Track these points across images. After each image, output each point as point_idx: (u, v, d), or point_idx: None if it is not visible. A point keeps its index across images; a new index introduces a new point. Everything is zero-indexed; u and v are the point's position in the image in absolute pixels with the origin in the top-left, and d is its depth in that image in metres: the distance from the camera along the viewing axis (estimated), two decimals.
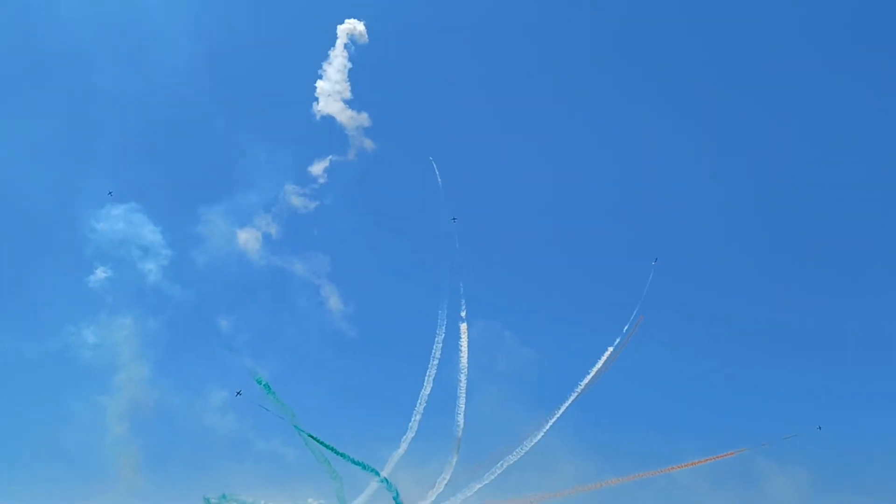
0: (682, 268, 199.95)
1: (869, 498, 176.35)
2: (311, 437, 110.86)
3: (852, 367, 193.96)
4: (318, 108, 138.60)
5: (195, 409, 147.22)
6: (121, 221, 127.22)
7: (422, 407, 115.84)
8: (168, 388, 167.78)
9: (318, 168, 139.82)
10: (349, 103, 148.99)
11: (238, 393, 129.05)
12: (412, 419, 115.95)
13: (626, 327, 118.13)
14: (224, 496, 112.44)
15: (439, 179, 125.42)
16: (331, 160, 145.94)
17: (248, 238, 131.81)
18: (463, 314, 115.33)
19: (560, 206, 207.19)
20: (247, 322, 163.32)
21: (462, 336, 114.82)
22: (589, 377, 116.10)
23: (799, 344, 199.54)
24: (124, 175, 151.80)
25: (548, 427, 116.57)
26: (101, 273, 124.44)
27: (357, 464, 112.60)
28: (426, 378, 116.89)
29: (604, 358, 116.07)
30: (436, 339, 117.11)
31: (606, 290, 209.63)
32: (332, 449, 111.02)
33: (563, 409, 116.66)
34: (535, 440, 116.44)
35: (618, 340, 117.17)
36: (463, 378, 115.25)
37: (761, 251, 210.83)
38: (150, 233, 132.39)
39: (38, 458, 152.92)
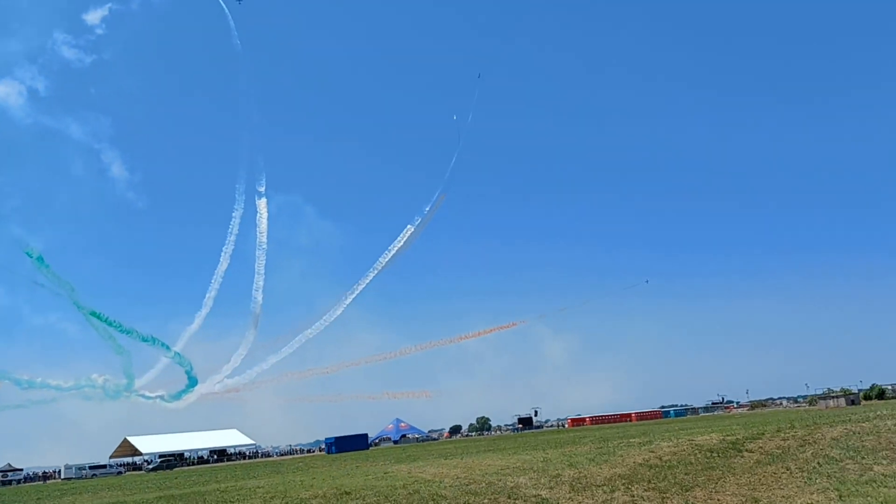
0: (484, 148, 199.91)
1: (624, 354, 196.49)
2: (94, 314, 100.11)
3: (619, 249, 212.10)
4: None
5: None
6: None
7: (217, 283, 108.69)
8: None
9: (94, 17, 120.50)
10: None
11: None
12: (207, 295, 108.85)
13: (427, 207, 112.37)
14: None
15: (238, 40, 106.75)
16: (110, 9, 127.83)
17: (8, 92, 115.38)
18: (261, 189, 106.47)
19: (366, 78, 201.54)
20: (14, 187, 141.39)
21: (260, 212, 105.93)
22: (390, 254, 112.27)
23: (572, 237, 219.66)
24: None
25: (348, 302, 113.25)
26: None
27: (145, 340, 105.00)
28: (222, 253, 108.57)
29: (404, 235, 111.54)
30: (233, 213, 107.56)
31: (410, 168, 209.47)
32: (116, 326, 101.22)
33: (363, 285, 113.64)
34: (335, 315, 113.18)
35: (418, 219, 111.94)
36: (261, 254, 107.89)
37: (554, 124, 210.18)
38: None
39: None
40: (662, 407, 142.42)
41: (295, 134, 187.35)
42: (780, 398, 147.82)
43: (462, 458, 33.59)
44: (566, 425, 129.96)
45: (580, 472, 22.58)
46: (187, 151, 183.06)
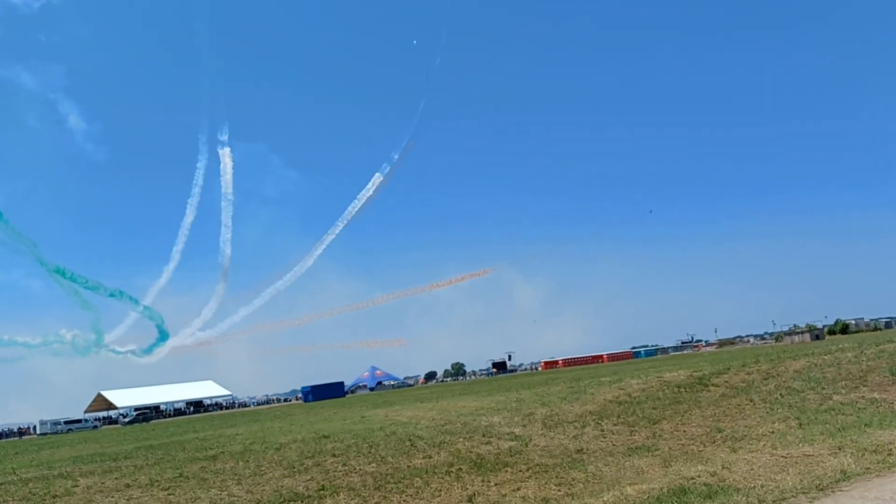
0: (454, 93, 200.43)
1: (594, 298, 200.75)
2: (57, 270, 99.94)
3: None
4: None
5: None
6: None
7: (184, 236, 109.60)
8: None
9: None
10: None
11: None
12: (174, 248, 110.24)
13: (396, 154, 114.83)
14: None
15: None
16: None
17: None
18: (224, 138, 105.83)
19: (330, 21, 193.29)
20: None
21: (224, 161, 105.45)
22: (359, 203, 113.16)
23: (542, 183, 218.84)
24: None
25: (318, 252, 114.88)
26: None
27: (112, 294, 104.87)
28: (188, 205, 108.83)
29: (373, 184, 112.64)
30: (197, 164, 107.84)
31: (377, 115, 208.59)
32: (81, 282, 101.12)
33: (332, 235, 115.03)
34: (305, 266, 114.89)
35: (387, 167, 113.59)
36: (227, 205, 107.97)
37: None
38: None
39: None
40: (633, 348, 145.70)
41: (257, 81, 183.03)
42: (747, 336, 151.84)
43: (438, 402, 34.22)
44: (539, 368, 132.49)
45: (552, 411, 23.15)
46: (147, 101, 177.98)
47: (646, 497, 11.25)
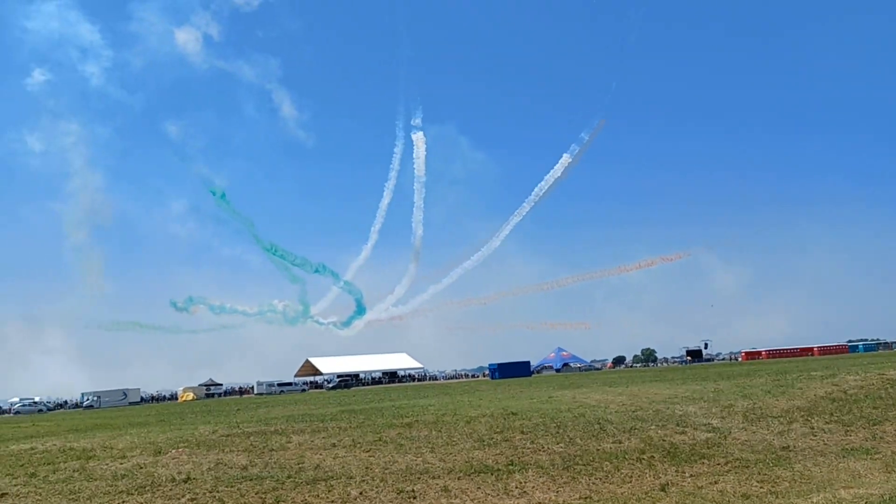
0: (648, 72, 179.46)
1: (803, 286, 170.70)
2: (269, 249, 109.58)
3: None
4: None
5: (155, 217, 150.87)
6: (55, 20, 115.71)
7: (381, 216, 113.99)
8: (125, 197, 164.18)
9: None
10: None
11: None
12: (372, 228, 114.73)
13: (586, 134, 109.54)
14: (190, 299, 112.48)
15: None
16: None
17: (187, 39, 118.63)
18: (416, 122, 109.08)
19: (520, 2, 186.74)
20: (197, 129, 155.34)
21: (417, 145, 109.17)
22: (546, 184, 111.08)
23: (743, 164, 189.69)
24: None
25: (505, 233, 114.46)
26: (38, 76, 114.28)
27: (316, 270, 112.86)
28: (385, 188, 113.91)
29: (561, 165, 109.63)
30: (394, 150, 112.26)
31: (567, 93, 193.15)
32: (290, 258, 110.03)
33: (519, 217, 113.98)
34: (492, 247, 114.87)
35: (576, 148, 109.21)
36: (419, 187, 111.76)
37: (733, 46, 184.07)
38: (88, 32, 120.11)
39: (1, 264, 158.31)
40: (850, 341, 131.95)
41: (448, 64, 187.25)
42: None
43: (627, 387, 33.35)
44: (739, 359, 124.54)
45: (754, 404, 21.69)
46: (349, 89, 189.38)
47: (863, 502, 10.21)
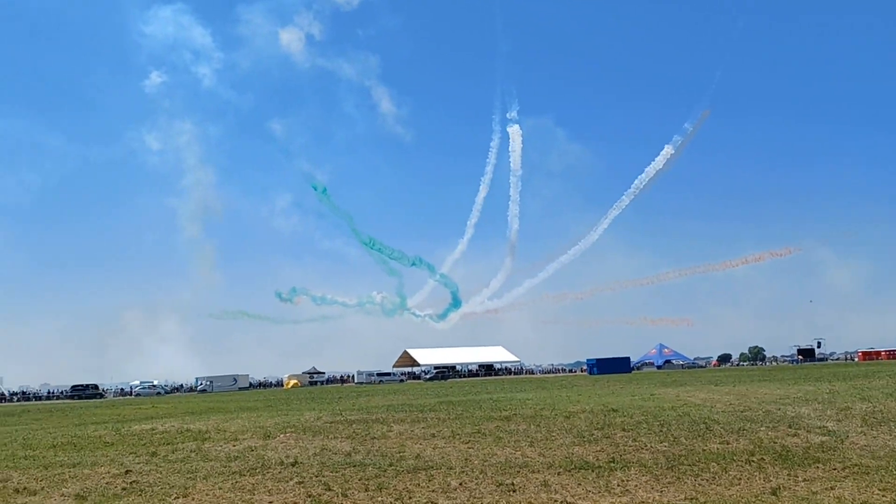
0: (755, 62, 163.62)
1: None
2: (367, 243, 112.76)
3: None
4: None
5: (261, 212, 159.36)
6: (170, 24, 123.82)
7: (477, 211, 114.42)
8: (234, 192, 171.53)
9: None
10: None
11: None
12: (468, 222, 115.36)
13: (689, 124, 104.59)
14: (294, 290, 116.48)
15: None
16: None
17: (291, 39, 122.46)
18: (511, 115, 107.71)
19: None
20: (300, 126, 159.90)
21: (513, 139, 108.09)
22: (646, 177, 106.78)
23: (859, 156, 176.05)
24: None
25: (604, 226, 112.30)
26: (155, 78, 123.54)
27: (413, 263, 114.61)
28: (481, 182, 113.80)
29: (662, 157, 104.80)
30: (490, 143, 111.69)
31: (667, 83, 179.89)
32: (387, 252, 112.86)
33: (618, 210, 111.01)
34: (590, 241, 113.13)
35: (679, 139, 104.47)
36: (515, 181, 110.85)
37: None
38: (200, 35, 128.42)
39: (117, 256, 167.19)
40: None
41: (544, 54, 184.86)
42: None
43: (734, 386, 32.14)
44: (856, 359, 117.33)
45: (874, 407, 20.42)
46: (446, 84, 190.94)
47: None
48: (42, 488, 13.49)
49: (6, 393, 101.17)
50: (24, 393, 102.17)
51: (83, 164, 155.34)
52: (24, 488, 13.55)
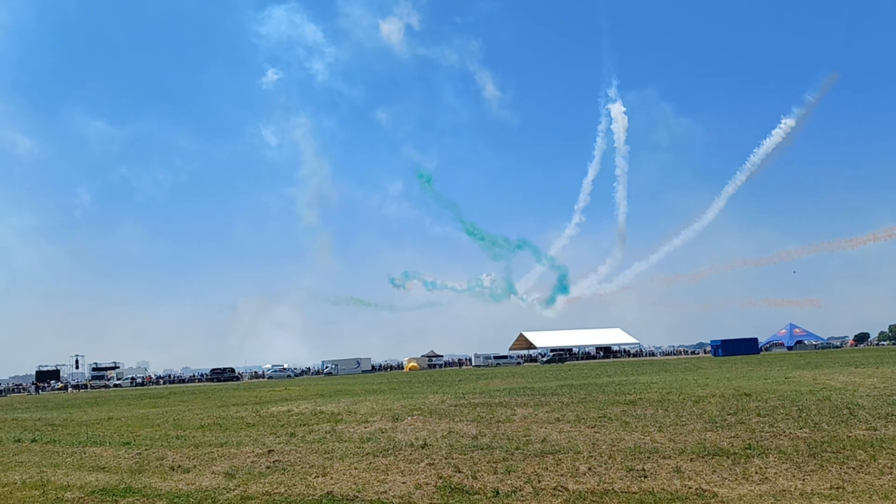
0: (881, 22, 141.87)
1: None
2: (470, 231, 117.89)
3: None
4: None
5: (374, 199, 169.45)
6: (283, 23, 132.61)
7: (585, 193, 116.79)
8: (348, 181, 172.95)
9: None
10: None
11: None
12: (575, 205, 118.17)
13: (810, 94, 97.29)
14: (406, 274, 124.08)
15: None
16: None
17: (391, 30, 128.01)
18: (613, 94, 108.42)
19: None
20: (405, 114, 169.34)
21: (617, 120, 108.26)
22: (765, 152, 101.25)
23: None
24: None
25: (719, 207, 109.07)
26: (272, 75, 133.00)
27: (519, 247, 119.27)
28: (589, 166, 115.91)
29: (782, 129, 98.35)
30: (598, 126, 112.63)
31: (782, 53, 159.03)
32: (490, 239, 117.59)
33: (733, 187, 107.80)
34: (705, 221, 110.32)
35: (800, 110, 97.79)
36: (622, 163, 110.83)
37: None
38: (312, 32, 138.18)
39: (245, 246, 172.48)
40: None
41: (649, 25, 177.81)
42: None
43: (878, 368, 30.07)
44: None
45: None
46: (550, 66, 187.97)
47: None
48: (195, 466, 14.60)
49: (153, 376, 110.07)
50: (169, 376, 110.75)
51: (208, 160, 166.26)
52: (179, 466, 14.72)
